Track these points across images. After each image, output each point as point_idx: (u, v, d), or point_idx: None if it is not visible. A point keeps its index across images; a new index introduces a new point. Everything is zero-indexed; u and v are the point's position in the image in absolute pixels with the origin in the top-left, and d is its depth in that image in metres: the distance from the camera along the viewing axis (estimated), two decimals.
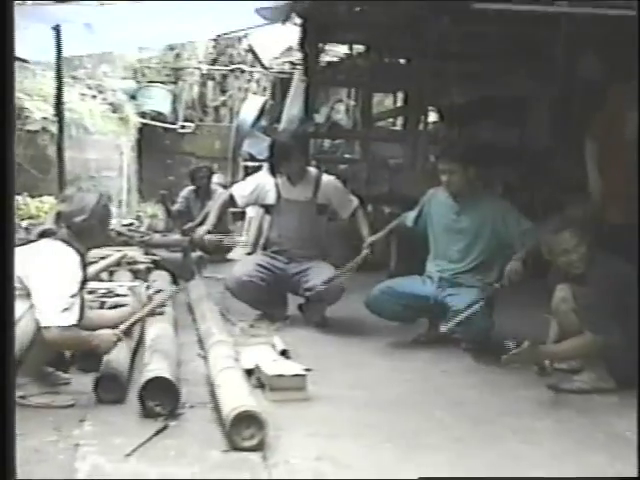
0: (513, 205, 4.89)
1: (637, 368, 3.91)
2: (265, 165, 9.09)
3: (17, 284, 3.23)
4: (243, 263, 5.48)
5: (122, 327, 3.50)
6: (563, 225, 4.07)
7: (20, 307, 3.21)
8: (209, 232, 5.30)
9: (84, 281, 3.53)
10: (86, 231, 3.52)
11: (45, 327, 3.23)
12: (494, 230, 4.73)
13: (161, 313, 4.13)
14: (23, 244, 3.51)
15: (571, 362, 4.17)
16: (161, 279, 5.91)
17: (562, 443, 3.22)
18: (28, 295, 3.26)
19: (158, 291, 4.18)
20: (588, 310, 3.85)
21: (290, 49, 11.88)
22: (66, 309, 3.25)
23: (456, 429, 3.34)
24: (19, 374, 3.36)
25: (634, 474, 2.87)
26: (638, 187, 5.03)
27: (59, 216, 3.56)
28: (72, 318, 3.27)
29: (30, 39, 7.83)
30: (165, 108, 12.93)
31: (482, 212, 4.77)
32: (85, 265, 3.55)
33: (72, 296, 3.29)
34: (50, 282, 3.30)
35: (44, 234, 3.53)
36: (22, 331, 3.21)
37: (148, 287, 4.43)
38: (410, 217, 5.08)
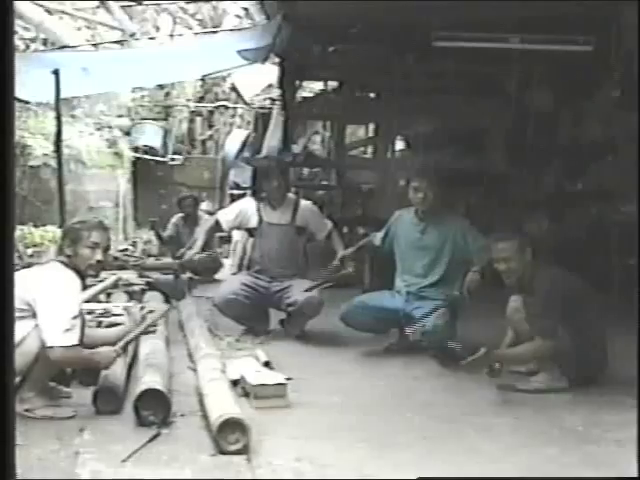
0: (473, 224, 4.94)
1: (590, 369, 3.98)
2: (249, 193, 9.15)
3: (24, 305, 3.24)
4: (228, 282, 5.49)
5: (121, 344, 3.49)
6: (503, 236, 4.13)
7: (25, 326, 3.21)
8: (197, 254, 5.33)
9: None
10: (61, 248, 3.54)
11: (49, 347, 3.22)
12: (455, 247, 4.76)
13: (154, 331, 4.05)
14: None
15: (529, 365, 4.20)
16: (154, 299, 5.92)
17: (519, 438, 3.26)
18: (33, 315, 3.25)
19: (151, 311, 4.16)
20: (537, 318, 3.91)
21: (270, 86, 11.93)
22: (68, 330, 3.24)
23: (424, 429, 3.37)
24: (25, 389, 3.36)
25: (589, 464, 2.92)
26: (638, 187, 4.99)
27: None
28: (74, 338, 3.26)
29: (32, 83, 7.86)
30: (157, 143, 12.97)
31: (444, 230, 4.80)
32: (85, 287, 3.56)
33: (74, 317, 3.28)
34: (53, 304, 3.29)
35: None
36: (27, 349, 3.20)
37: (142, 307, 4.39)
38: (378, 236, 5.11)
